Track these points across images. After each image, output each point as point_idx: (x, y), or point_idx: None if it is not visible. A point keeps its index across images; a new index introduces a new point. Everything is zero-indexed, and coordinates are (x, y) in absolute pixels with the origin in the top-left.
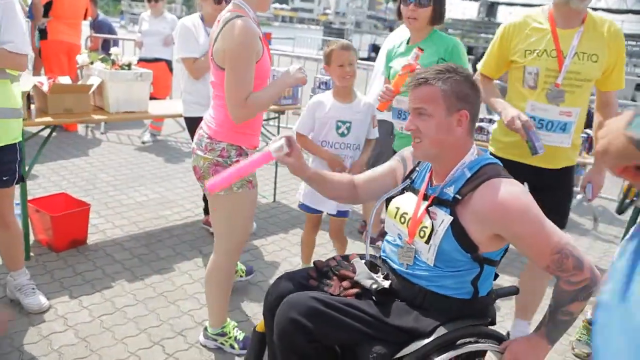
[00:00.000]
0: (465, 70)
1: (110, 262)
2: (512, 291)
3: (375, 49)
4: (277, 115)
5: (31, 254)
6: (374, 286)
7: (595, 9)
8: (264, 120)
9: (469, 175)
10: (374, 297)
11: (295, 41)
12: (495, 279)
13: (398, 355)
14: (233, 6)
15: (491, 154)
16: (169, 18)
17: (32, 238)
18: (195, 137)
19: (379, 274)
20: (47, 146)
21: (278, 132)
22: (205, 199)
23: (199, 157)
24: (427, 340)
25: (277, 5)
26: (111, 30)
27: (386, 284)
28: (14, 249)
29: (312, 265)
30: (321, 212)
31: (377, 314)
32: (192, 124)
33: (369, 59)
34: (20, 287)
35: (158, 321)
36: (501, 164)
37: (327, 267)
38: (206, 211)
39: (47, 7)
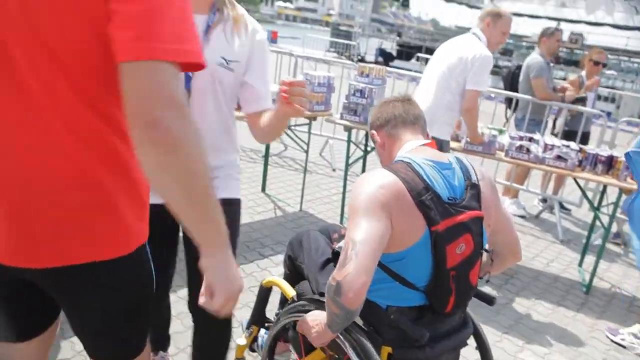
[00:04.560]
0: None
1: None
2: (418, 333)
3: (382, 53)
4: (308, 121)
5: None
6: (335, 248)
7: (601, 24)
8: (294, 125)
9: None
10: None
11: (303, 41)
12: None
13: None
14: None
15: None
16: None
17: None
18: None
19: None
20: None
21: (309, 140)
22: None
23: None
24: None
25: (280, 3)
26: None
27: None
28: None
29: None
30: None
31: (320, 265)
32: None
33: (377, 64)
34: None
35: None
36: (411, 162)
37: None
38: None
39: None
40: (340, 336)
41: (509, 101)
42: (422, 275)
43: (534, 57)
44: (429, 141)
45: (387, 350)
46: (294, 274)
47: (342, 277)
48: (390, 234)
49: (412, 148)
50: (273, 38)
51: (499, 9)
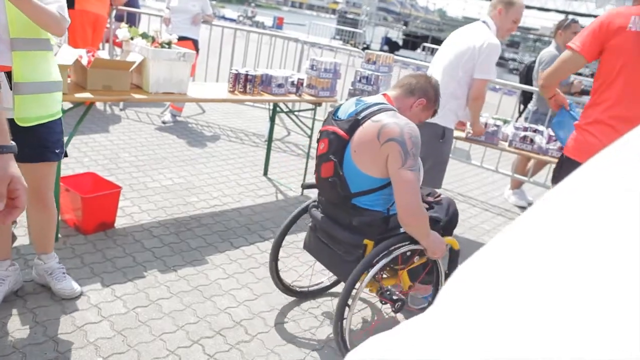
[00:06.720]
0: None
1: (140, 250)
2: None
3: (388, 42)
4: (313, 107)
5: (59, 235)
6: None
7: None
8: (298, 111)
9: None
10: None
11: (308, 28)
12: None
13: None
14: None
15: None
16: None
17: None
18: None
19: None
20: (66, 119)
21: (313, 125)
22: None
23: None
24: None
25: None
26: (135, 3)
27: None
28: (47, 230)
29: None
30: None
31: None
32: None
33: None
34: (52, 272)
35: (195, 317)
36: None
37: None
38: None
39: None
40: None
41: (522, 95)
42: None
43: (548, 50)
44: (385, 93)
45: None
46: None
47: None
48: None
49: (376, 96)
50: (279, 24)
51: None
